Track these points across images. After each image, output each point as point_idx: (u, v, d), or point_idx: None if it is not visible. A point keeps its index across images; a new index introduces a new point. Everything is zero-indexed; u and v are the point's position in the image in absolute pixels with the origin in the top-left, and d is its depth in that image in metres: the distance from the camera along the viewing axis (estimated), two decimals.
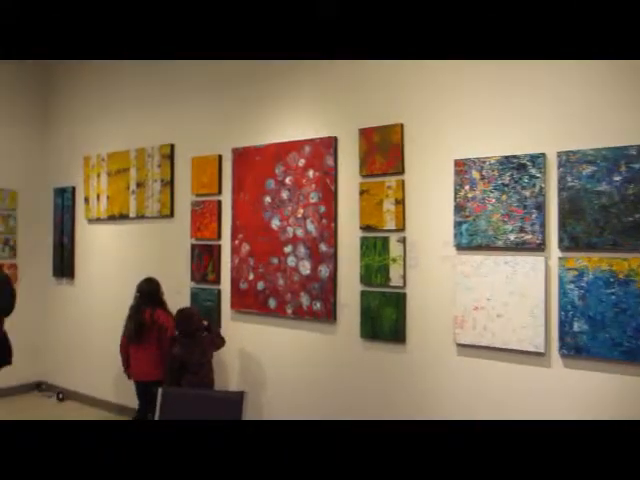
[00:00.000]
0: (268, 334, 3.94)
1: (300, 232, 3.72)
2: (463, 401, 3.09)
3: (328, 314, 3.59)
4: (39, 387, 5.57)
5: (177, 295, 4.42)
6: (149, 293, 3.95)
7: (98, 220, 5.13)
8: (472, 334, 3.03)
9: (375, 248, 3.39)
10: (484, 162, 3.00)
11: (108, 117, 5.10)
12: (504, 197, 2.94)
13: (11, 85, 5.45)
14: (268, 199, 3.88)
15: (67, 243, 5.39)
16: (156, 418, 2.66)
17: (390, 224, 3.33)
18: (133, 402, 4.71)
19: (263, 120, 3.98)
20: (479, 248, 3.03)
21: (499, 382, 2.99)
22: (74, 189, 5.36)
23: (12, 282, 3.86)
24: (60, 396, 5.27)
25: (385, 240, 3.35)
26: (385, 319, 3.34)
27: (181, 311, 3.75)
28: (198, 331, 3.66)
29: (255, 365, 4.02)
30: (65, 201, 5.42)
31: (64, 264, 5.41)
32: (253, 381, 3.97)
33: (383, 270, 3.35)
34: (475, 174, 3.03)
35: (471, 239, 3.04)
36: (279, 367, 3.88)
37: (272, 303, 3.86)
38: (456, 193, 3.10)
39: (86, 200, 5.21)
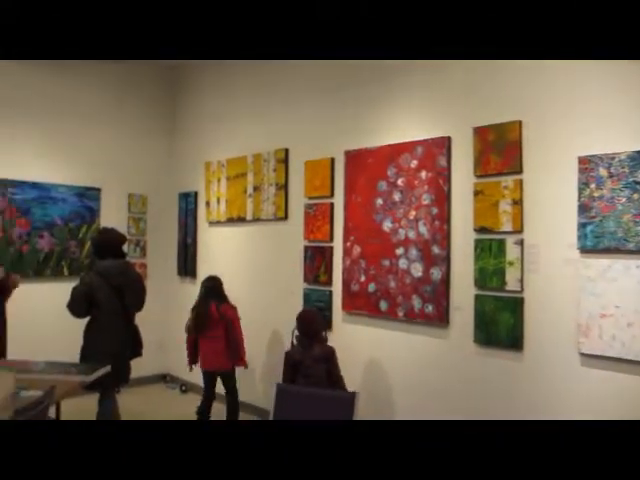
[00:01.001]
0: (379, 336, 3.93)
1: (412, 234, 3.67)
2: (586, 416, 2.87)
3: (440, 317, 3.51)
4: (164, 379, 5.97)
5: (290, 296, 4.55)
6: (213, 288, 4.26)
7: (218, 222, 5.41)
8: (598, 344, 2.82)
9: (490, 250, 3.26)
10: (613, 158, 2.79)
11: (227, 124, 5.37)
12: (636, 196, 2.71)
13: (142, 98, 5.91)
14: (380, 201, 3.88)
15: (190, 244, 5.74)
16: (271, 414, 2.75)
17: (507, 226, 3.20)
18: (250, 398, 4.91)
19: (375, 122, 3.99)
20: (607, 251, 2.82)
21: (630, 398, 2.75)
22: (196, 193, 5.71)
23: (143, 280, 4.16)
24: (183, 388, 5.61)
25: (501, 242, 3.22)
26: (501, 324, 3.21)
27: (304, 312, 3.87)
28: (316, 335, 3.67)
29: (365, 367, 4.02)
30: (188, 205, 5.78)
31: (187, 264, 5.77)
32: (363, 382, 3.98)
33: (499, 273, 3.22)
34: (602, 171, 2.82)
35: (597, 241, 2.84)
36: (389, 369, 3.85)
37: (383, 305, 3.85)
38: (580, 192, 2.91)
39: (207, 204, 5.52)
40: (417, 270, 3.64)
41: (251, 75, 5.09)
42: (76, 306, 3.74)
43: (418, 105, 3.74)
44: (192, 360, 4.31)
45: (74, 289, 3.78)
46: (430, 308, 3.56)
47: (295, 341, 3.73)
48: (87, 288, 3.74)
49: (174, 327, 5.89)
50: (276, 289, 4.75)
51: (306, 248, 4.46)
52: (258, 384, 4.92)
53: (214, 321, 4.15)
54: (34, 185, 5.13)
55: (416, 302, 3.64)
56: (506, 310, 3.18)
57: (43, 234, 5.19)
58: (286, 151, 4.67)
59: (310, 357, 3.55)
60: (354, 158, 4.07)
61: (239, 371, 4.34)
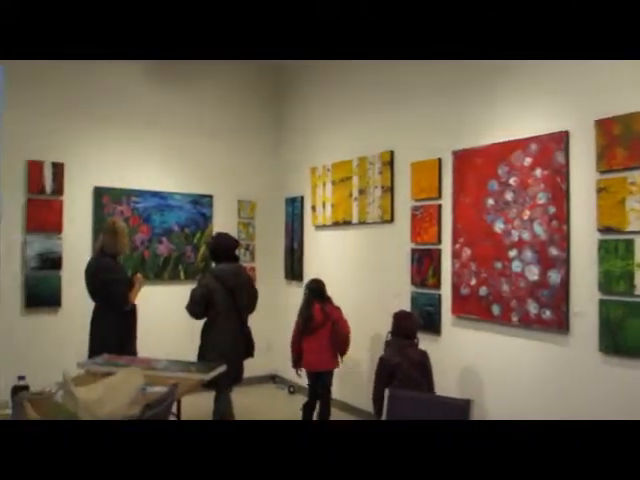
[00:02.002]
0: (491, 342, 3.77)
1: (526, 235, 3.50)
2: None
3: (559, 323, 3.31)
4: (273, 379, 6.13)
5: (395, 298, 4.50)
6: (317, 290, 4.34)
7: (324, 226, 5.48)
8: None
9: (616, 252, 3.02)
10: None
11: (332, 129, 5.43)
12: None
13: (248, 109, 6.12)
14: (491, 201, 3.73)
15: (296, 248, 5.86)
16: (383, 419, 2.72)
17: (635, 224, 2.95)
18: (354, 400, 4.92)
19: (484, 120, 3.85)
20: None
21: None
22: (302, 198, 5.82)
23: (254, 283, 4.30)
24: (291, 389, 5.73)
25: (629, 243, 2.97)
26: (630, 332, 2.96)
27: (402, 312, 3.83)
28: (410, 337, 3.60)
29: (474, 373, 3.88)
30: (295, 209, 5.90)
31: (294, 267, 5.89)
32: (472, 389, 3.84)
33: (626, 277, 2.98)
34: None
35: None
36: (502, 377, 3.69)
37: (496, 310, 3.69)
38: None
39: (313, 208, 5.60)
40: (533, 273, 3.45)
41: (354, 78, 5.11)
42: (195, 307, 3.93)
43: (530, 100, 3.55)
44: (297, 360, 4.39)
45: (193, 291, 3.98)
46: (548, 313, 3.36)
47: (387, 345, 3.63)
48: (205, 290, 3.92)
49: (281, 329, 6.02)
50: (381, 292, 4.72)
51: (413, 251, 4.39)
52: (358, 385, 4.93)
53: (319, 322, 4.24)
54: (154, 194, 5.49)
55: (532, 307, 3.45)
56: (636, 316, 2.93)
57: (162, 240, 5.53)
58: (391, 153, 4.63)
59: (408, 361, 3.44)
60: (462, 158, 3.95)
61: (342, 371, 4.36)
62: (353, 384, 4.99)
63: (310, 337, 4.27)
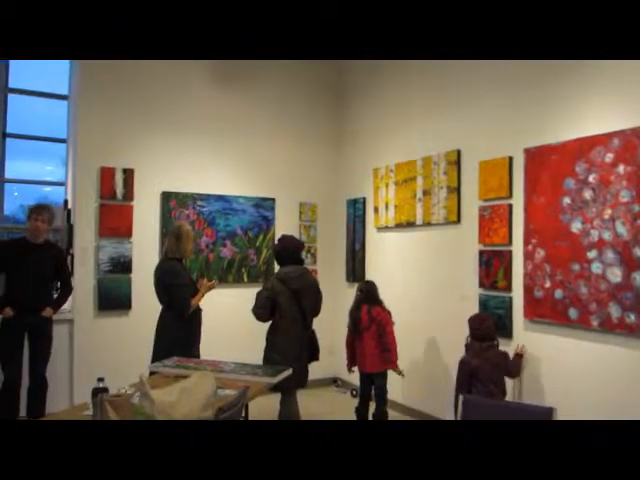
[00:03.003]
0: (568, 347, 3.60)
1: (607, 235, 3.31)
2: None
3: None
4: (335, 382, 6.09)
5: (463, 301, 4.38)
6: (368, 292, 4.34)
7: (386, 228, 5.40)
8: None
9: None
10: None
11: (395, 129, 5.35)
12: None
13: (308, 110, 6.12)
14: (567, 200, 3.56)
15: (358, 250, 5.81)
16: None
17: None
18: (419, 404, 4.83)
19: (559, 116, 3.69)
20: None
21: None
22: (365, 200, 5.76)
23: (319, 286, 4.28)
24: (354, 393, 5.67)
25: None
26: None
27: (478, 316, 3.82)
28: (492, 339, 3.57)
29: (550, 379, 3.71)
30: (357, 211, 5.85)
31: (356, 269, 5.83)
32: (546, 396, 3.67)
33: None
34: None
35: None
36: (579, 384, 3.51)
37: (573, 313, 3.52)
38: None
39: (375, 209, 5.54)
40: (615, 275, 3.26)
41: (417, 77, 5.01)
42: (260, 310, 3.94)
43: (611, 94, 3.36)
44: (351, 362, 4.46)
45: (258, 294, 3.99)
46: (633, 317, 3.17)
47: (467, 348, 3.68)
48: (270, 293, 3.92)
49: (343, 332, 5.98)
50: (447, 295, 4.61)
51: (481, 252, 4.26)
52: (420, 388, 4.85)
53: (365, 324, 4.25)
54: (219, 197, 5.57)
55: (614, 310, 3.27)
56: None
57: (226, 243, 5.61)
58: (458, 152, 4.51)
59: (488, 363, 3.47)
60: (535, 155, 3.79)
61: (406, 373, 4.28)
62: (418, 388, 4.90)
63: (359, 339, 4.32)
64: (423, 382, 4.86)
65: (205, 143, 5.54)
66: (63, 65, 5.52)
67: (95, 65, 4.99)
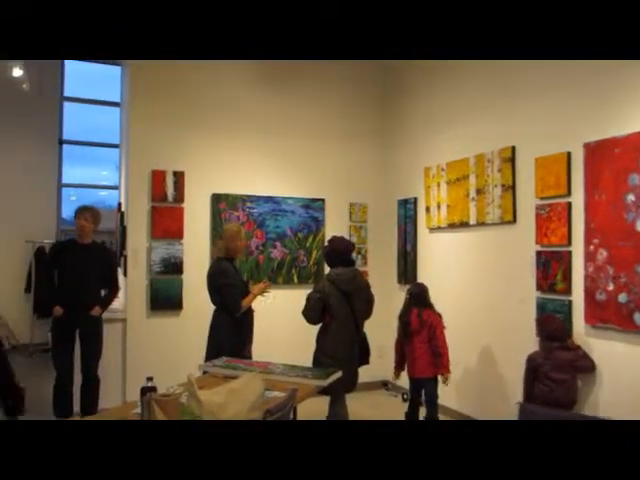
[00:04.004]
0: (633, 354, 3.39)
1: None
2: None
3: None
4: (385, 386, 5.99)
5: (519, 304, 4.22)
6: (418, 295, 4.22)
7: (438, 228, 5.27)
8: None
9: None
10: None
11: (445, 127, 5.21)
12: None
13: (357, 109, 6.06)
14: (631, 197, 3.36)
15: (410, 251, 5.69)
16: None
17: None
18: (472, 411, 4.67)
19: (623, 106, 3.48)
20: None
21: None
22: (416, 200, 5.64)
23: (370, 288, 4.22)
24: (405, 397, 5.55)
25: None
26: None
27: (546, 316, 3.79)
28: (562, 340, 3.52)
29: (614, 388, 3.50)
30: (408, 211, 5.74)
31: (407, 271, 5.72)
32: (610, 406, 3.47)
33: None
34: None
35: None
36: None
37: (639, 319, 3.31)
38: None
39: (427, 209, 5.41)
40: None
41: (466, 74, 4.87)
42: (310, 312, 3.91)
43: None
44: (399, 366, 4.37)
45: (309, 296, 3.96)
46: None
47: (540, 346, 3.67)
48: (321, 295, 3.88)
49: (393, 335, 5.89)
50: (502, 298, 4.45)
51: (538, 253, 4.08)
52: (473, 394, 4.69)
53: (415, 328, 4.15)
54: (268, 199, 5.58)
55: None
56: None
57: (276, 244, 5.61)
58: (513, 149, 4.35)
59: (552, 363, 3.45)
60: (596, 150, 3.60)
61: (457, 378, 4.16)
62: (471, 394, 4.75)
63: (408, 342, 4.22)
64: (477, 388, 4.71)
65: (254, 144, 5.56)
66: (115, 73, 5.66)
67: (144, 71, 5.10)
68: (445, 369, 4.14)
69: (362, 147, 6.05)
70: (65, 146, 6.34)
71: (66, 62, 8.72)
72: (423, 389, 4.26)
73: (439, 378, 4.18)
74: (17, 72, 7.08)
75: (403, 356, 4.32)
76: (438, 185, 5.23)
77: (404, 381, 4.64)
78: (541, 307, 4.02)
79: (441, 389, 4.27)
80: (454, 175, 4.99)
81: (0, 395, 2.69)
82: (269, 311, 5.10)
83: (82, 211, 4.41)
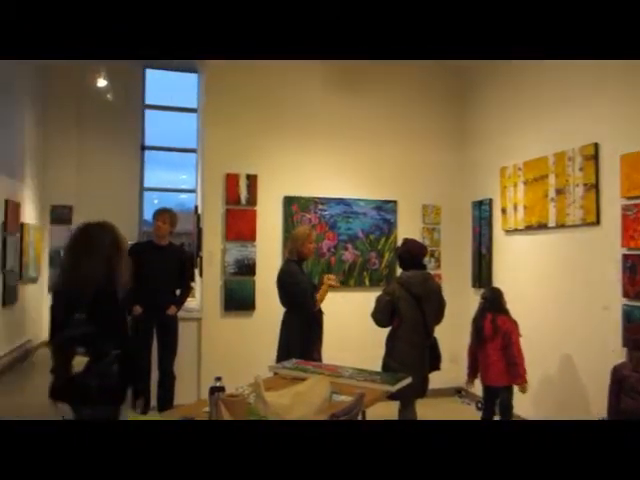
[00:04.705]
0: None
1: None
2: None
3: None
4: (459, 393, 5.82)
5: (603, 311, 3.98)
6: (492, 300, 4.07)
7: (515, 230, 5.07)
8: None
9: None
10: None
11: (522, 125, 5.01)
12: None
13: (430, 109, 5.94)
14: None
15: (485, 254, 5.51)
16: None
17: None
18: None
19: None
20: None
21: None
22: (491, 201, 5.46)
23: (442, 292, 4.13)
24: (479, 405, 5.37)
25: None
26: None
27: (628, 326, 3.59)
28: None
29: None
30: (483, 213, 5.57)
31: (482, 274, 5.55)
32: None
33: None
34: None
35: None
36: None
37: None
38: None
39: (503, 211, 5.22)
40: None
41: (545, 70, 4.64)
42: (380, 315, 3.87)
43: None
44: (472, 373, 4.24)
45: (379, 298, 3.92)
46: None
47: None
48: (391, 298, 3.84)
49: (467, 340, 5.72)
50: (583, 304, 4.21)
51: (625, 257, 3.83)
52: (552, 405, 4.46)
53: (488, 334, 4.01)
54: (339, 201, 5.58)
55: None
56: None
57: (347, 246, 5.60)
58: (595, 146, 4.11)
59: (632, 376, 3.22)
60: None
61: (535, 388, 3.96)
62: (550, 404, 4.53)
63: (482, 349, 4.09)
64: (555, 399, 4.48)
65: (326, 146, 5.58)
66: (192, 80, 5.87)
67: (218, 78, 5.26)
68: (521, 379, 3.97)
69: (435, 148, 5.93)
70: (147, 151, 6.62)
71: (147, 71, 9.16)
72: (497, 398, 4.11)
73: (522, 387, 4.01)
74: (102, 83, 7.51)
75: (476, 363, 4.19)
76: (515, 185, 5.03)
77: (478, 389, 4.50)
78: (628, 315, 3.77)
79: (517, 399, 4.11)
80: (532, 174, 4.78)
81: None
82: (340, 313, 5.11)
83: (160, 213, 4.61)
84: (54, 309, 2.76)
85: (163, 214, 4.59)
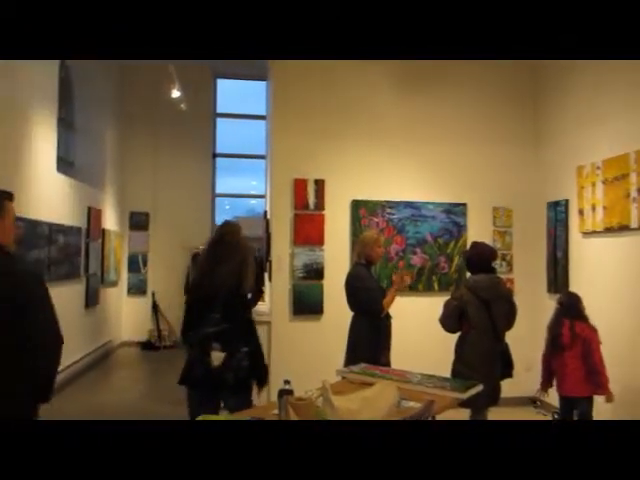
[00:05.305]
0: None
1: None
2: None
3: None
4: (534, 403, 5.60)
5: None
6: (570, 306, 3.89)
7: (593, 232, 4.84)
8: None
9: None
10: None
11: (601, 122, 4.78)
12: None
13: (501, 110, 5.78)
14: None
15: (561, 257, 5.29)
16: None
17: None
18: None
19: None
20: None
21: None
22: (567, 201, 5.24)
23: (513, 296, 4.00)
24: (555, 416, 5.15)
25: None
26: None
27: None
28: None
29: None
30: (558, 215, 5.35)
31: (557, 279, 5.33)
32: None
33: None
34: None
35: None
36: None
37: None
38: None
39: (580, 212, 5.00)
40: None
41: (623, 67, 4.40)
42: (448, 320, 3.80)
43: None
44: (546, 382, 4.07)
45: (447, 303, 3.86)
46: None
47: None
48: (459, 303, 3.76)
49: (541, 347, 5.50)
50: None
51: None
52: (633, 416, 4.18)
53: (566, 342, 3.83)
54: (407, 204, 5.53)
55: None
56: None
57: (416, 250, 5.53)
58: None
59: None
60: None
61: (622, 399, 3.76)
62: (629, 416, 4.27)
63: (558, 357, 3.90)
64: (636, 410, 4.23)
65: (393, 149, 5.55)
66: (261, 88, 6.00)
67: (287, 84, 5.35)
68: (604, 389, 3.78)
69: (506, 148, 5.76)
70: (218, 159, 6.82)
71: (218, 81, 9.44)
72: (575, 409, 3.92)
73: (608, 397, 3.82)
74: (175, 94, 7.82)
75: (551, 371, 4.01)
76: (593, 185, 4.80)
77: (556, 399, 4.32)
78: None
79: (595, 409, 3.90)
80: (611, 173, 4.55)
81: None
82: (408, 318, 5.05)
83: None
84: (190, 308, 3.09)
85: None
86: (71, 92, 7.54)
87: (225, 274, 2.92)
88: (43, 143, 5.59)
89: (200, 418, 2.18)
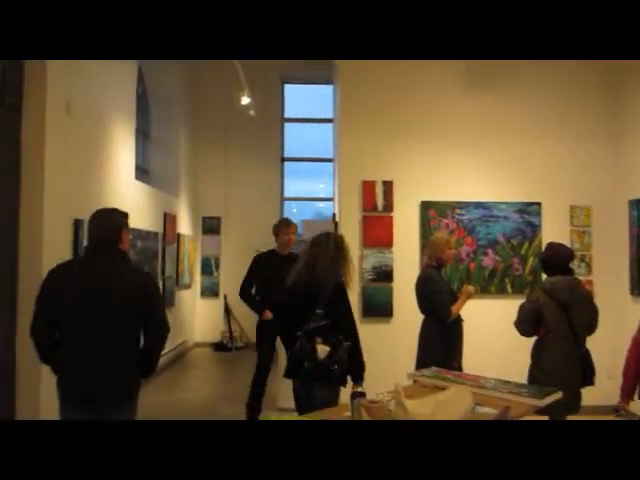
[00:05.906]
0: None
1: None
2: None
3: None
4: (617, 412, 5.31)
5: None
6: None
7: None
8: None
9: None
10: None
11: None
12: None
13: (581, 106, 5.55)
14: None
15: None
16: None
17: None
18: None
19: None
20: None
21: None
22: None
23: (593, 299, 3.82)
24: None
25: None
26: None
27: None
28: None
29: None
30: None
31: None
32: None
33: None
34: None
35: None
36: None
37: None
38: None
39: None
40: None
41: None
42: (523, 324, 3.68)
43: None
44: (628, 393, 3.70)
45: (522, 306, 3.74)
46: None
47: None
48: (535, 306, 3.64)
49: (624, 354, 5.22)
50: None
51: None
52: None
53: None
54: (478, 205, 5.40)
55: None
56: None
57: (487, 251, 5.39)
58: None
59: None
60: None
61: None
62: None
63: None
64: None
65: (462, 148, 5.44)
66: (328, 92, 6.03)
67: (353, 87, 5.38)
68: None
69: (583, 146, 5.52)
70: (286, 163, 6.92)
71: (285, 86, 9.58)
72: None
73: None
74: (245, 100, 8.00)
75: (634, 381, 3.75)
76: None
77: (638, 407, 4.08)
78: None
79: None
80: None
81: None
82: (480, 321, 4.93)
83: (289, 225, 4.97)
84: (290, 305, 3.34)
85: (293, 226, 4.96)
86: (147, 104, 7.89)
87: (322, 271, 3.17)
88: (123, 153, 5.86)
89: (265, 418, 2.22)
